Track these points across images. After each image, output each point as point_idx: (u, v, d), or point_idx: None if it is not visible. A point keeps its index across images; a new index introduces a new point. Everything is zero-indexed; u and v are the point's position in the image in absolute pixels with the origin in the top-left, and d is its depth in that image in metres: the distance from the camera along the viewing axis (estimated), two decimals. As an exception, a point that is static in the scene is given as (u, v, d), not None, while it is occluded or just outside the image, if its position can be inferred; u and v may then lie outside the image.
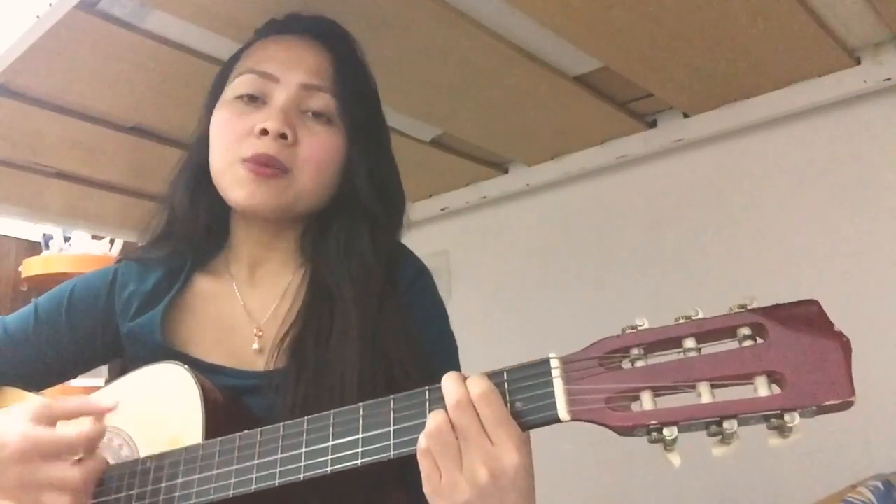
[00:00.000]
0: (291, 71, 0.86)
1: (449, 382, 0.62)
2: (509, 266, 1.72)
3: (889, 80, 1.17)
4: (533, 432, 0.61)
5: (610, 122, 1.41)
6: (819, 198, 1.28)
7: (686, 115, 1.40)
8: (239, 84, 0.87)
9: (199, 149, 0.91)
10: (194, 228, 0.91)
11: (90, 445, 0.71)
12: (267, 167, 0.83)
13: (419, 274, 0.90)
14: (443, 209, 1.78)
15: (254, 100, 0.86)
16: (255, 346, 0.86)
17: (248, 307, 0.90)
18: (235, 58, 0.93)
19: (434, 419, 0.60)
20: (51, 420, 0.71)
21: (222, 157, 0.86)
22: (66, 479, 0.68)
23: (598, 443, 1.43)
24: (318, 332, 0.83)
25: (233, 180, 0.85)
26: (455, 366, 0.87)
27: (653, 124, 1.45)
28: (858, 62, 1.19)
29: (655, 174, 1.49)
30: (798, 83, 1.25)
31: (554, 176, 1.59)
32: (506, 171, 1.68)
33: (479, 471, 0.58)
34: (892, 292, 1.18)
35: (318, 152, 0.86)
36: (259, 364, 0.85)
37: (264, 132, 0.83)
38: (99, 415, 0.74)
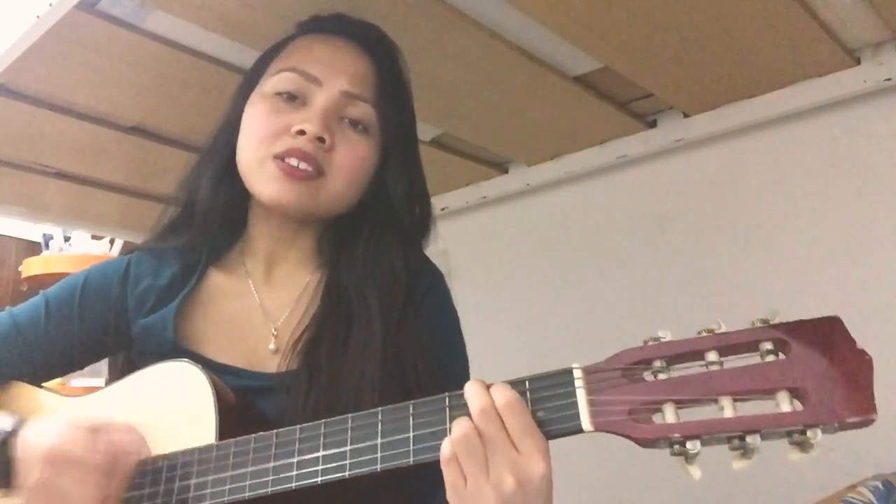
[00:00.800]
0: (335, 76, 0.85)
1: (473, 390, 0.61)
2: (509, 266, 1.72)
3: (889, 80, 1.17)
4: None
5: (610, 122, 1.41)
6: (819, 197, 1.28)
7: (686, 115, 1.39)
8: (279, 80, 0.86)
9: (226, 136, 0.90)
10: (213, 217, 0.89)
11: (119, 473, 0.71)
12: (299, 170, 0.82)
13: (436, 282, 0.90)
14: (443, 209, 1.78)
15: (293, 98, 0.85)
16: (272, 346, 0.86)
17: (264, 306, 0.89)
18: (276, 49, 0.91)
19: (460, 426, 0.60)
20: (92, 432, 0.71)
21: (253, 152, 0.85)
22: (84, 494, 0.68)
23: (597, 441, 1.43)
24: (334, 336, 0.82)
25: (262, 176, 0.84)
26: (465, 375, 0.86)
27: (653, 124, 1.44)
28: (858, 62, 1.19)
29: (655, 174, 1.49)
30: (798, 83, 1.24)
31: (554, 176, 1.59)
32: (506, 171, 1.68)
33: (505, 479, 0.58)
34: (891, 291, 1.18)
35: (353, 161, 0.86)
36: (272, 365, 0.84)
37: (301, 133, 0.82)
38: (137, 451, 0.74)
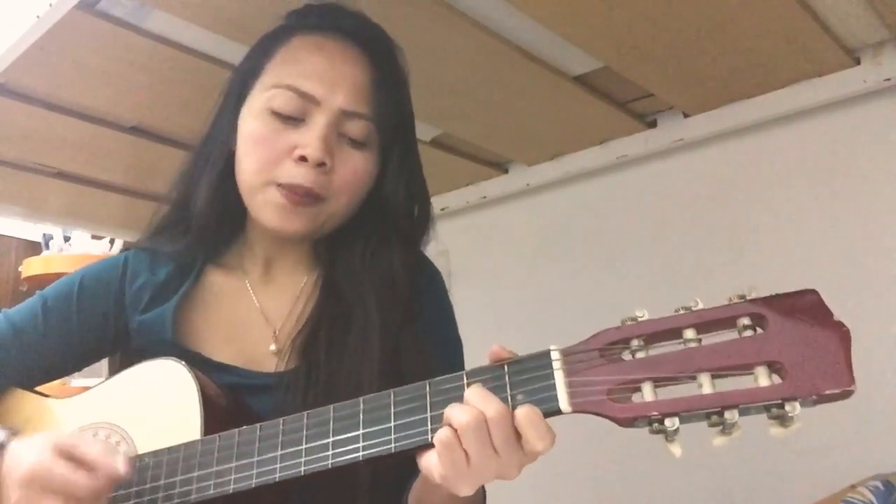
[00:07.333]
0: (333, 93, 0.82)
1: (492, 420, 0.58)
2: (509, 266, 1.72)
3: (889, 80, 1.17)
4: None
5: (610, 122, 1.41)
6: (819, 197, 1.28)
7: (686, 115, 1.40)
8: (275, 99, 0.83)
9: (222, 140, 0.88)
10: (210, 224, 0.88)
11: (94, 497, 0.68)
12: (303, 196, 0.82)
13: (432, 279, 0.90)
14: (443, 209, 1.78)
15: (290, 118, 0.83)
16: (273, 347, 0.86)
17: (263, 308, 0.89)
18: (268, 47, 0.87)
19: (473, 448, 0.58)
20: (69, 458, 0.68)
21: (255, 176, 0.83)
22: None
23: (598, 442, 1.43)
24: (331, 334, 0.82)
25: (265, 202, 0.83)
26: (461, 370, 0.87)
27: (653, 124, 1.45)
28: (858, 62, 1.19)
29: (655, 174, 1.49)
30: (798, 83, 1.25)
31: (554, 176, 1.59)
32: (506, 171, 1.68)
33: (514, 469, 0.59)
34: (892, 291, 1.18)
35: (353, 179, 0.85)
36: (271, 365, 0.84)
37: (303, 159, 0.81)
38: (114, 475, 0.69)
